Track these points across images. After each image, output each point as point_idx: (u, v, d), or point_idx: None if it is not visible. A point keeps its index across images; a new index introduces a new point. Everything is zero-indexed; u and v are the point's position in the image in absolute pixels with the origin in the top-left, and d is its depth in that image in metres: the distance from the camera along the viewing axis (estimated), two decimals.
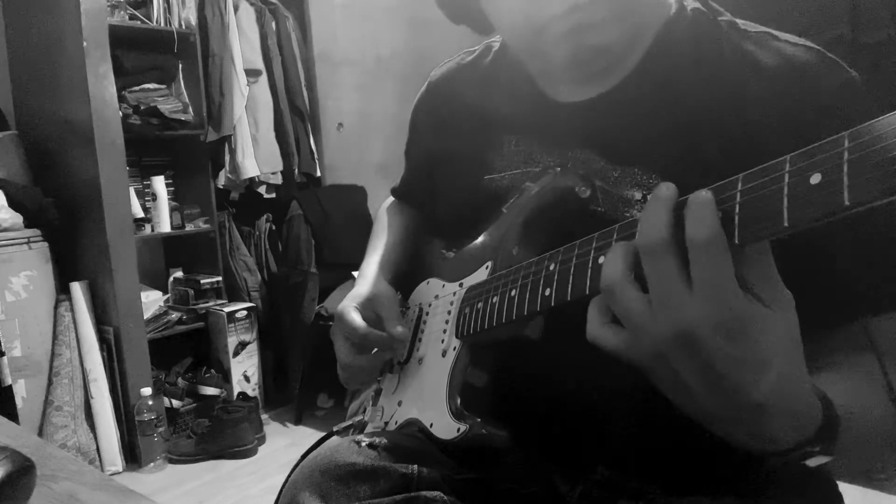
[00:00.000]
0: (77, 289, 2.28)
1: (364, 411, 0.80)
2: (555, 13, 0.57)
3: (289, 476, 0.61)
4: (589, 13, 0.57)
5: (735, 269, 0.37)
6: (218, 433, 2.36)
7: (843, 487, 0.66)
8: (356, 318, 0.73)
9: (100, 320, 2.34)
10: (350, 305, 0.75)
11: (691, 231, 0.37)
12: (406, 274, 0.85)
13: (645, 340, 0.40)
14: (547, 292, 0.51)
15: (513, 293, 0.56)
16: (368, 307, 0.76)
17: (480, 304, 0.62)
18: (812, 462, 0.43)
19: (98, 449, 2.26)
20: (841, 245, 0.52)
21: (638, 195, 0.60)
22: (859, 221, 0.36)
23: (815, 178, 0.34)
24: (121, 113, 2.34)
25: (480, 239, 0.69)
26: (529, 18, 0.59)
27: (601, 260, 0.46)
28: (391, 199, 0.97)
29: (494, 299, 0.59)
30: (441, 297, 0.72)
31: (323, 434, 0.76)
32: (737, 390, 0.39)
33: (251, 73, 2.75)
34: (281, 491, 0.61)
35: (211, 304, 2.69)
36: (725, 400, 0.40)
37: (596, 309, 0.44)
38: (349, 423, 0.80)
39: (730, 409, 0.40)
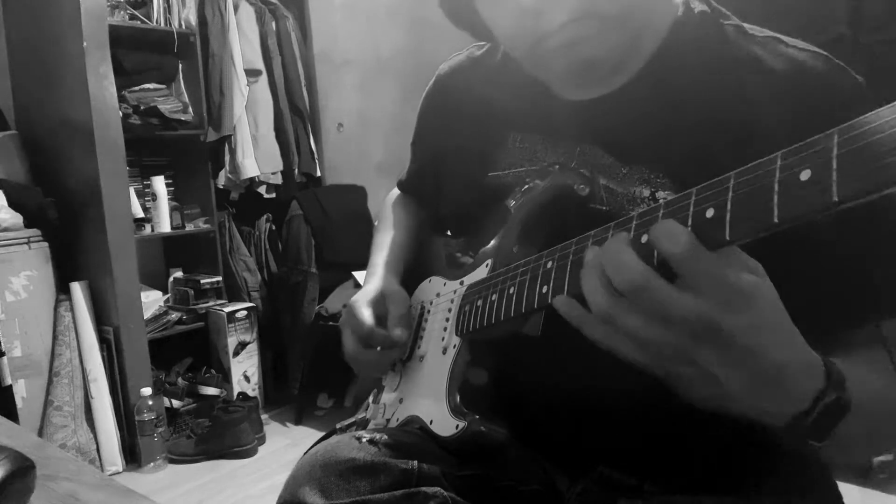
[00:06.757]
0: (77, 289, 2.28)
1: (366, 408, 0.80)
2: (549, 28, 0.57)
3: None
4: (583, 27, 0.57)
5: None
6: (218, 433, 2.36)
7: (843, 487, 0.65)
8: (365, 314, 0.74)
9: (100, 320, 2.33)
10: (363, 300, 0.77)
11: (667, 249, 0.39)
12: (412, 271, 0.85)
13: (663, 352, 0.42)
14: (545, 289, 0.51)
15: (511, 290, 0.57)
16: (380, 302, 0.77)
17: (480, 302, 0.62)
18: (833, 421, 0.43)
19: (98, 449, 2.25)
20: (857, 247, 0.52)
21: (646, 192, 0.60)
22: (872, 224, 0.36)
23: (805, 175, 0.35)
24: (121, 113, 2.34)
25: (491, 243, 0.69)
26: (525, 33, 0.60)
27: None
28: (396, 191, 0.97)
29: (494, 297, 0.60)
30: (442, 294, 0.73)
31: (323, 433, 0.76)
32: (758, 356, 0.41)
33: (251, 73, 2.75)
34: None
35: (211, 304, 2.69)
36: (748, 371, 0.42)
37: None
38: (352, 420, 0.80)
39: (753, 380, 0.42)
